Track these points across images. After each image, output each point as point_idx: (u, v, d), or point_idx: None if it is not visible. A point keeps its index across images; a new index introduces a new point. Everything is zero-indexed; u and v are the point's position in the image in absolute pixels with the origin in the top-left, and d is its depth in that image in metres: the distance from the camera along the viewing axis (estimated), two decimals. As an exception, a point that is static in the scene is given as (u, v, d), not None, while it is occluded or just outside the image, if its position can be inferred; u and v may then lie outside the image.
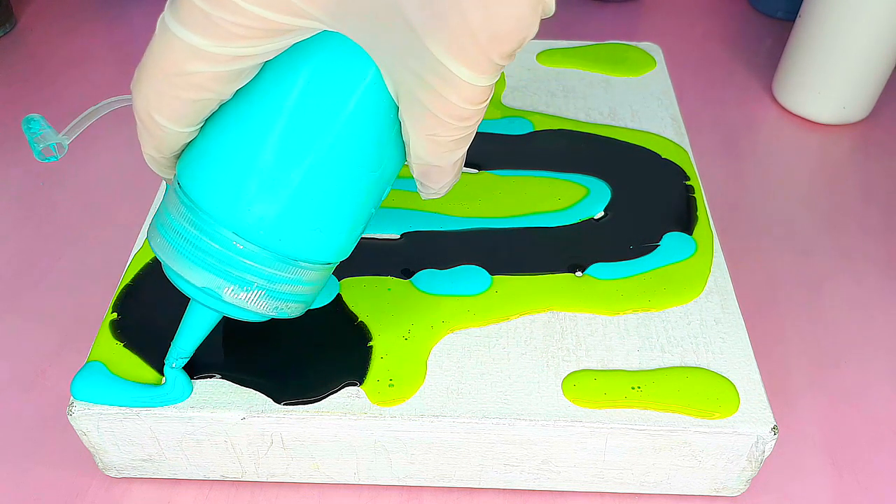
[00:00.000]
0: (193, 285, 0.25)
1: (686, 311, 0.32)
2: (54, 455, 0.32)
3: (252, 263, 0.24)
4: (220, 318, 0.27)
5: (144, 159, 0.26)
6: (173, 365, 0.28)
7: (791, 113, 0.51)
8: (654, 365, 0.30)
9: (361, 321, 0.31)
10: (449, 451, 0.29)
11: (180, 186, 0.25)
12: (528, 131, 0.40)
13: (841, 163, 0.48)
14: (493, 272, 0.33)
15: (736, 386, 0.29)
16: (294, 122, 0.23)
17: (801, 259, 0.41)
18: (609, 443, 0.28)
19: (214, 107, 0.24)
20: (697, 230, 0.35)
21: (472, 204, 0.36)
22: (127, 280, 0.33)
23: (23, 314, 0.38)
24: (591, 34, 0.58)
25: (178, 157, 0.25)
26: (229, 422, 0.28)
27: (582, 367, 0.30)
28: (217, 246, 0.24)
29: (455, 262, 0.33)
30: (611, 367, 0.30)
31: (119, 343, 0.30)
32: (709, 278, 0.33)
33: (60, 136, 0.29)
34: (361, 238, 0.34)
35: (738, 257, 0.40)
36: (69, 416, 0.28)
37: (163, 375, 0.29)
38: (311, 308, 0.31)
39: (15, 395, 0.34)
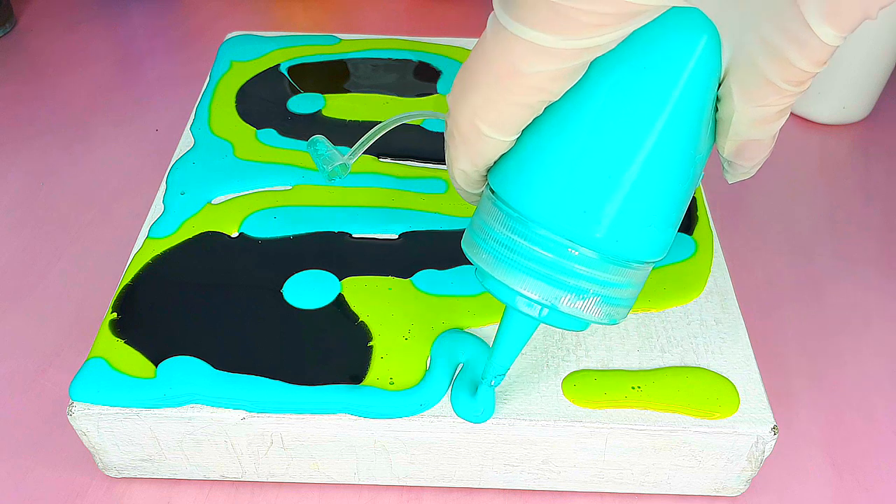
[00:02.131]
0: (519, 297, 0.24)
1: (686, 311, 0.32)
2: (54, 455, 0.32)
3: (588, 270, 0.23)
4: (538, 326, 0.26)
5: (453, 178, 0.26)
6: (492, 383, 0.28)
7: (791, 113, 0.51)
8: (654, 365, 0.30)
9: (362, 321, 0.31)
10: (449, 451, 0.29)
11: (500, 198, 0.24)
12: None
13: (841, 163, 0.48)
14: (493, 272, 0.33)
15: (736, 386, 0.29)
16: (626, 115, 0.22)
17: (801, 259, 0.41)
18: (609, 443, 0.28)
19: (542, 110, 0.23)
20: (697, 230, 0.35)
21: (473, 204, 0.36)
22: (127, 280, 0.33)
23: (23, 314, 0.38)
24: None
25: (489, 170, 0.25)
26: (229, 422, 0.28)
27: (582, 367, 0.30)
28: (552, 255, 0.23)
29: (455, 262, 0.33)
30: (611, 367, 0.30)
31: (120, 340, 0.30)
32: (709, 278, 0.33)
33: (345, 157, 0.30)
34: (361, 238, 0.35)
35: (738, 257, 0.40)
36: (69, 416, 0.28)
37: (156, 369, 0.29)
38: (312, 308, 0.32)
39: (15, 395, 0.34)
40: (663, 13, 0.21)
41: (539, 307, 0.25)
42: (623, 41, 0.21)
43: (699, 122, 0.22)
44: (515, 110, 0.22)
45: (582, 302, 0.24)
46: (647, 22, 0.21)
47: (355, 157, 0.30)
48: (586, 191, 0.23)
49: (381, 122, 0.41)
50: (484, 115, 0.23)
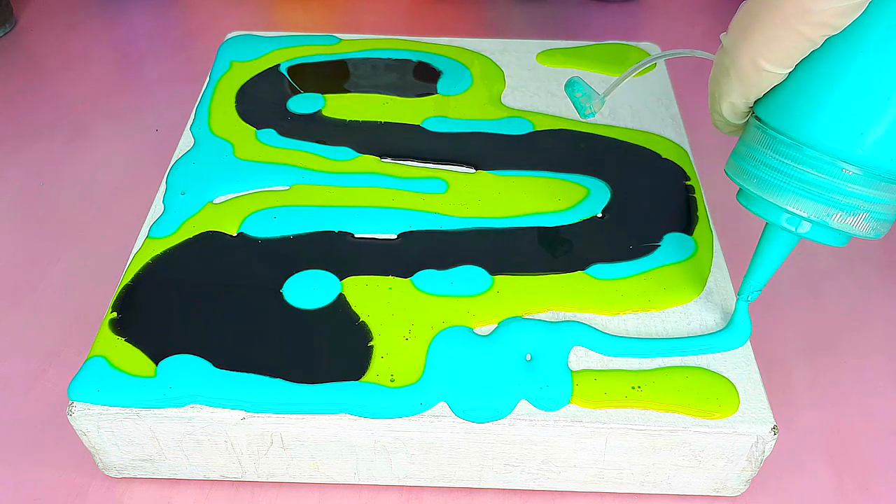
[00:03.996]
0: (787, 214, 0.27)
1: (686, 311, 0.32)
2: (54, 455, 0.32)
3: (859, 188, 0.26)
4: (797, 243, 0.29)
5: (720, 111, 0.28)
6: (748, 298, 0.30)
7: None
8: (654, 365, 0.30)
9: (363, 321, 0.31)
10: (449, 451, 0.29)
11: (770, 126, 0.27)
12: (528, 131, 0.40)
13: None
14: (493, 272, 0.33)
15: (736, 386, 0.29)
16: None
17: (801, 259, 0.41)
18: (609, 443, 0.28)
19: (821, 43, 0.25)
20: (697, 230, 0.35)
21: (472, 204, 0.36)
22: (127, 280, 0.33)
23: (23, 314, 0.38)
24: (591, 34, 0.58)
25: (756, 102, 0.28)
26: (229, 422, 0.28)
27: (582, 367, 0.30)
28: (826, 176, 0.26)
29: (455, 262, 0.33)
30: (611, 367, 0.30)
31: (120, 339, 0.30)
32: (709, 278, 0.33)
33: (601, 95, 0.33)
34: (362, 238, 0.35)
35: (738, 257, 0.40)
36: (69, 417, 0.28)
37: (156, 367, 0.29)
38: (312, 308, 0.32)
39: (15, 396, 0.34)
40: None
41: (807, 224, 0.27)
42: None
43: None
44: (799, 46, 0.25)
45: (853, 218, 0.26)
46: None
47: (609, 93, 0.33)
48: (864, 113, 0.25)
49: (380, 122, 0.41)
50: (766, 52, 0.25)
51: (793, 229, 0.27)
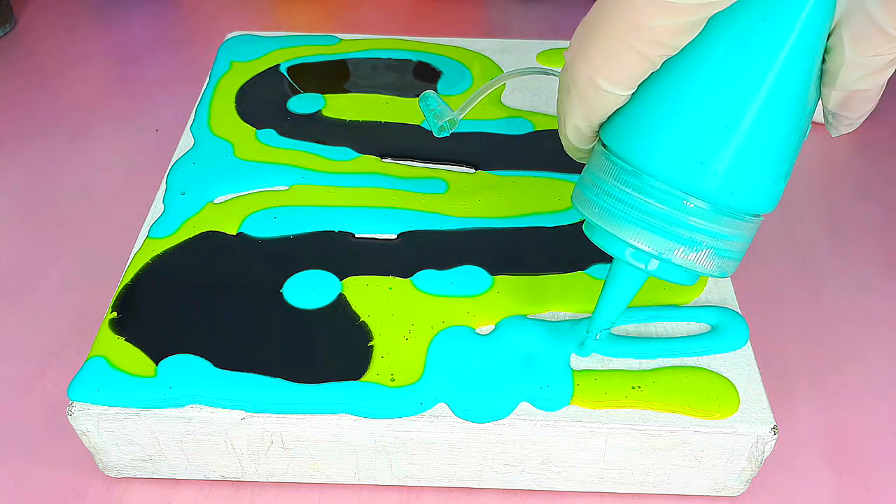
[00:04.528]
0: (630, 249, 0.25)
1: (686, 311, 0.32)
2: (54, 455, 0.32)
3: (702, 222, 0.24)
4: (646, 279, 0.27)
5: (565, 134, 0.27)
6: (597, 337, 0.29)
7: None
8: (654, 365, 0.30)
9: (363, 321, 0.31)
10: (449, 451, 0.29)
11: (613, 152, 0.25)
12: (528, 131, 0.40)
13: (841, 163, 0.48)
14: (493, 272, 0.33)
15: (736, 386, 0.29)
16: (743, 65, 0.23)
17: (801, 259, 0.41)
18: (609, 443, 0.28)
19: (660, 64, 0.23)
20: (697, 230, 0.35)
21: (472, 204, 0.36)
22: (127, 280, 0.33)
23: (23, 314, 0.38)
24: (591, 34, 0.58)
25: (602, 125, 0.26)
26: (229, 422, 0.28)
27: (582, 367, 0.30)
28: (666, 208, 0.24)
29: (455, 262, 0.33)
30: (611, 367, 0.30)
31: (120, 338, 0.30)
32: (709, 278, 0.33)
33: (454, 113, 0.31)
34: (362, 238, 0.35)
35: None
36: (69, 417, 0.28)
37: (156, 367, 0.29)
38: (313, 308, 0.32)
39: (15, 395, 0.34)
40: None
41: (650, 260, 0.25)
42: None
43: (810, 72, 0.23)
44: (635, 65, 0.23)
45: (695, 254, 0.25)
46: None
47: (464, 112, 0.31)
48: (704, 142, 0.23)
49: (380, 122, 0.41)
50: (603, 69, 0.23)
51: (640, 266, 0.26)
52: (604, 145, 0.26)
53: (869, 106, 0.24)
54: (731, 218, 0.24)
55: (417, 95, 0.43)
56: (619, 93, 0.24)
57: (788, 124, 0.23)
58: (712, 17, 0.22)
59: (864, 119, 0.25)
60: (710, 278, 0.33)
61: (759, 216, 0.25)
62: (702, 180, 0.24)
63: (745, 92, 0.23)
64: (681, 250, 0.25)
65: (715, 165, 0.23)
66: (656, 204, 0.24)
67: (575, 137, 0.27)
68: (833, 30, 0.23)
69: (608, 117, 0.25)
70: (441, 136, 0.31)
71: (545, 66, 0.30)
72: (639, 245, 0.25)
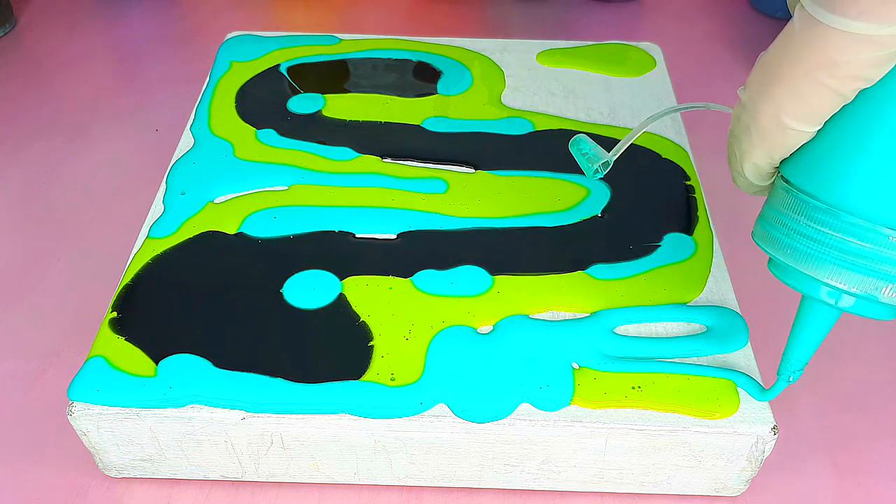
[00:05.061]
0: (827, 288, 0.24)
1: (686, 311, 0.32)
2: (54, 455, 0.32)
3: None
4: (839, 316, 0.26)
5: (742, 172, 0.26)
6: (790, 378, 0.27)
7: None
8: (654, 365, 0.30)
9: (363, 321, 0.31)
10: (449, 451, 0.29)
11: (801, 190, 0.24)
12: (528, 131, 0.40)
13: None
14: (493, 272, 0.33)
15: (736, 386, 0.29)
16: None
17: (801, 259, 0.41)
18: (609, 443, 0.28)
19: (853, 97, 0.22)
20: (697, 230, 0.35)
21: (472, 204, 0.36)
22: (127, 280, 0.33)
23: (23, 314, 0.38)
24: (591, 34, 0.58)
25: (782, 162, 0.25)
26: (229, 422, 0.28)
27: (582, 366, 0.30)
28: (871, 245, 0.23)
29: (455, 262, 0.33)
30: (611, 367, 0.30)
31: (120, 338, 0.30)
32: (709, 278, 0.33)
33: (609, 155, 0.30)
34: (362, 238, 0.35)
35: (738, 257, 0.40)
36: (69, 417, 0.28)
37: (156, 367, 0.29)
38: (313, 308, 0.32)
39: (15, 395, 0.34)
40: None
41: (854, 298, 0.24)
42: None
43: None
44: (826, 100, 0.22)
45: None
46: None
47: (618, 154, 0.31)
48: None
49: (380, 122, 0.41)
50: (790, 108, 0.23)
51: (833, 303, 0.24)
52: (786, 181, 0.25)
53: None
54: None
55: (417, 95, 0.43)
56: (807, 129, 0.23)
57: None
58: None
59: None
60: (710, 278, 0.33)
61: None
62: None
63: None
64: (888, 288, 0.23)
65: None
66: (858, 242, 0.23)
67: (754, 175, 0.26)
68: None
69: (791, 153, 0.24)
70: (594, 178, 0.31)
71: (712, 104, 0.29)
72: (841, 286, 0.24)
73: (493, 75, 0.44)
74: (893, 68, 0.22)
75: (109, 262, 0.38)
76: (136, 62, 0.55)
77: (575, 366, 0.29)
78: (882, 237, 0.23)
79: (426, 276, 0.33)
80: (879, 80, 0.22)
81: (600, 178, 0.34)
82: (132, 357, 0.30)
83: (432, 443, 0.29)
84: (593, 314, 0.32)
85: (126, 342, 0.30)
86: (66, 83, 0.53)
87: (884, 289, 0.23)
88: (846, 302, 0.24)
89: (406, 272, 0.33)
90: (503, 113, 0.42)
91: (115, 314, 0.31)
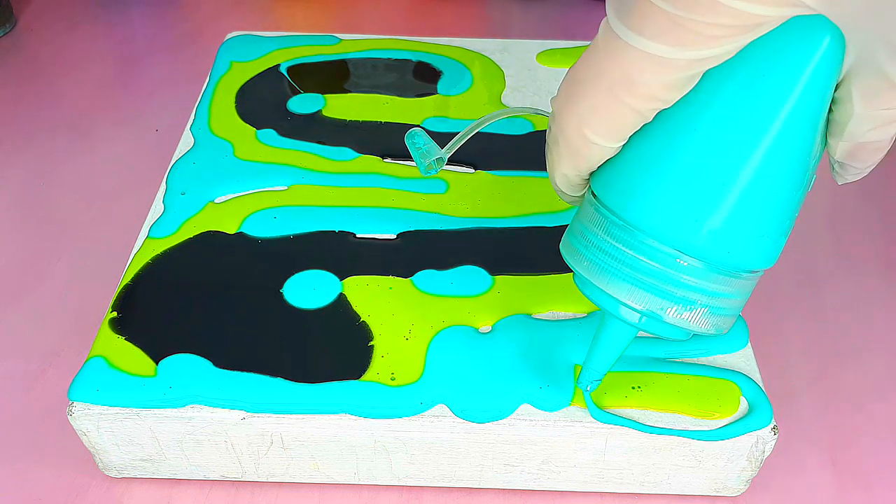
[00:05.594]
0: (622, 306, 0.24)
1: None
2: (54, 455, 0.32)
3: (696, 281, 0.23)
4: (636, 333, 0.26)
5: (554, 181, 0.26)
6: (587, 388, 0.27)
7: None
8: (654, 365, 0.30)
9: (363, 321, 0.31)
10: (449, 451, 0.29)
11: (603, 205, 0.24)
12: (528, 131, 0.40)
13: (841, 163, 0.48)
14: (493, 272, 0.33)
15: (736, 386, 0.29)
16: (741, 122, 0.22)
17: (801, 259, 0.41)
18: (609, 443, 0.28)
19: (651, 117, 0.23)
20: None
21: (472, 204, 0.36)
22: (127, 280, 0.33)
23: (23, 314, 0.38)
24: (591, 34, 0.58)
25: (592, 174, 0.25)
26: (229, 422, 0.28)
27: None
28: (658, 266, 0.23)
29: (455, 262, 0.33)
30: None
31: (120, 338, 0.30)
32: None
33: (442, 151, 0.30)
34: (362, 238, 0.35)
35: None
36: (69, 417, 0.28)
37: (156, 366, 0.29)
38: (313, 308, 0.32)
39: (15, 395, 0.34)
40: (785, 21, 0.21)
41: (641, 316, 0.24)
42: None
43: (815, 127, 0.22)
44: (625, 118, 0.22)
45: (689, 313, 0.24)
46: (768, 31, 0.21)
47: (451, 151, 0.30)
48: (698, 199, 0.22)
49: (380, 122, 0.41)
50: (592, 121, 0.23)
51: (631, 320, 0.24)
52: (593, 194, 0.25)
53: (878, 156, 0.23)
54: (727, 276, 0.23)
55: (418, 95, 0.43)
56: (608, 145, 0.23)
57: (790, 181, 0.22)
58: (707, 71, 0.21)
59: (872, 168, 0.24)
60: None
61: (757, 272, 0.24)
62: (696, 238, 0.22)
63: (743, 149, 0.22)
64: (674, 309, 0.23)
65: (710, 224, 0.22)
66: (648, 261, 0.23)
67: (564, 185, 0.26)
68: (840, 83, 0.21)
69: (599, 166, 0.24)
70: (427, 175, 0.30)
71: (536, 108, 0.29)
72: (630, 303, 0.24)
73: (493, 75, 0.44)
74: (688, 96, 0.22)
75: (109, 262, 0.38)
76: (136, 63, 0.55)
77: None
78: (670, 258, 0.23)
79: (426, 276, 0.33)
80: (675, 104, 0.22)
81: (433, 175, 0.33)
82: (132, 357, 0.30)
83: (432, 443, 0.29)
84: (593, 314, 0.32)
85: (126, 342, 0.30)
86: (66, 83, 0.53)
87: (669, 309, 0.23)
88: (639, 320, 0.24)
89: (406, 272, 0.33)
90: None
91: (115, 314, 0.31)
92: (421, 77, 0.44)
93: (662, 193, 0.23)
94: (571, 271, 0.33)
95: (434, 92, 0.43)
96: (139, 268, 0.33)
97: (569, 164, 0.24)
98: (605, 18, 0.22)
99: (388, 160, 0.39)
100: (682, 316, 0.24)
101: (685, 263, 0.23)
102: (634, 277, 0.23)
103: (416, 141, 0.30)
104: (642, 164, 0.23)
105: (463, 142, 0.30)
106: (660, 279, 0.23)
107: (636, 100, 0.22)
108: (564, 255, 0.26)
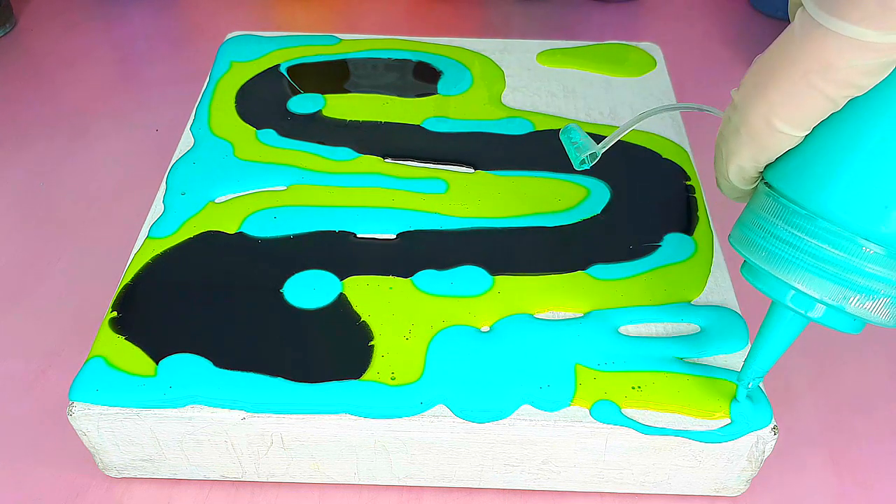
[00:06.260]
0: (797, 294, 0.24)
1: (686, 311, 0.32)
2: (54, 455, 0.32)
3: (879, 269, 0.23)
4: (806, 326, 0.26)
5: (725, 174, 0.26)
6: (749, 385, 0.27)
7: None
8: (654, 365, 0.30)
9: (363, 321, 0.31)
10: (449, 451, 0.29)
11: (781, 193, 0.24)
12: (528, 131, 0.40)
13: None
14: (493, 272, 0.33)
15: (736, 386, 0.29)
16: None
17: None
18: (609, 443, 0.28)
19: (843, 104, 0.22)
20: (697, 230, 0.35)
21: (472, 204, 0.36)
22: (127, 280, 0.33)
23: (23, 314, 0.38)
24: (591, 34, 0.58)
25: (768, 165, 0.25)
26: (229, 422, 0.28)
27: (582, 366, 0.30)
28: (843, 254, 0.23)
29: (455, 262, 0.33)
30: (611, 367, 0.30)
31: (120, 337, 0.30)
32: (709, 278, 0.33)
33: (597, 147, 0.31)
34: (362, 238, 0.35)
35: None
36: (69, 417, 0.28)
37: (156, 366, 0.29)
38: (313, 308, 0.32)
39: (15, 395, 0.34)
40: None
41: (817, 306, 0.24)
42: None
43: None
44: (817, 105, 0.22)
45: (871, 303, 0.23)
46: None
47: (606, 147, 0.31)
48: (890, 184, 0.22)
49: (380, 122, 0.41)
50: (782, 110, 0.23)
51: (801, 311, 0.24)
52: (768, 185, 0.25)
53: None
54: None
55: (417, 95, 0.43)
56: (795, 133, 0.23)
57: None
58: None
59: None
60: (710, 278, 0.33)
61: None
62: (885, 225, 0.22)
63: None
64: (856, 299, 0.23)
65: None
66: (832, 249, 0.23)
67: (737, 178, 0.26)
68: None
69: (777, 158, 0.24)
70: (580, 168, 0.31)
71: (707, 107, 0.29)
72: (809, 292, 0.24)
73: (493, 75, 0.44)
74: (882, 82, 0.22)
75: (109, 262, 0.38)
76: (135, 62, 0.55)
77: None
78: (856, 246, 0.23)
79: (426, 276, 0.33)
80: (869, 91, 0.22)
81: (586, 170, 0.34)
82: (132, 357, 0.30)
83: (432, 443, 0.29)
84: (593, 314, 0.32)
85: (126, 342, 0.30)
86: (65, 83, 0.53)
87: (852, 298, 0.23)
88: (813, 310, 0.24)
89: (406, 272, 0.33)
90: (503, 113, 0.42)
91: (115, 314, 0.31)
92: (421, 77, 0.44)
93: (852, 180, 0.23)
94: (571, 271, 0.33)
95: (434, 92, 0.43)
96: (139, 268, 0.33)
97: (749, 154, 0.24)
98: (800, 7, 0.22)
99: (389, 160, 0.39)
100: (865, 306, 0.23)
101: (871, 252, 0.23)
102: (818, 267, 0.23)
103: (572, 136, 0.31)
104: (829, 150, 0.23)
105: (618, 139, 0.31)
106: (843, 268, 0.23)
107: (831, 86, 0.22)
108: (737, 247, 0.26)
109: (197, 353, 0.30)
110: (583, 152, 0.31)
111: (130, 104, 0.51)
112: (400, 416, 0.28)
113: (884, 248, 0.23)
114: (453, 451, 0.29)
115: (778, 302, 0.25)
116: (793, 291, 0.24)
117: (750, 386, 0.28)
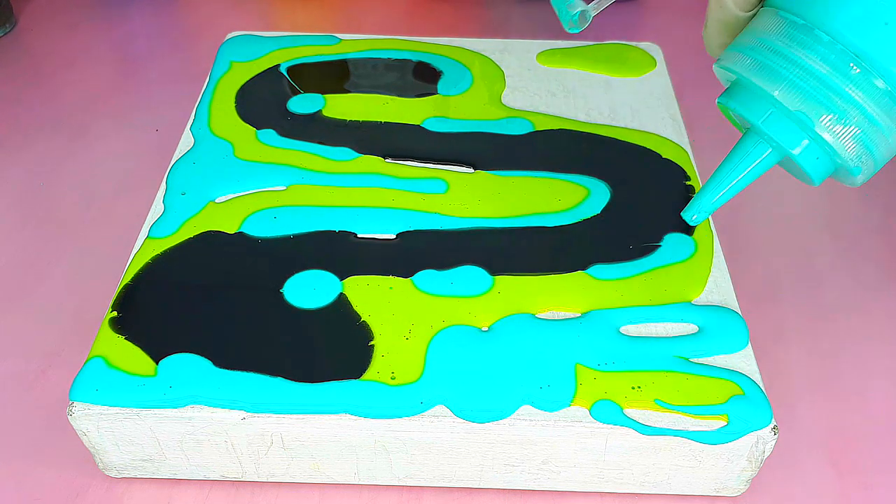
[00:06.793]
0: (769, 111, 0.24)
1: (686, 311, 0.32)
2: (54, 455, 0.32)
3: (860, 95, 0.22)
4: (771, 166, 0.25)
5: (723, 3, 0.25)
6: (693, 217, 0.27)
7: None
8: (654, 365, 0.30)
9: (363, 321, 0.31)
10: (449, 451, 0.29)
11: (784, 8, 0.24)
12: (528, 131, 0.40)
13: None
14: (493, 272, 0.33)
15: (736, 386, 0.29)
16: None
17: (801, 258, 0.41)
18: (609, 443, 0.28)
19: None
20: (697, 230, 0.35)
21: (472, 204, 0.36)
22: (127, 280, 0.33)
23: (23, 314, 0.38)
24: (591, 34, 0.58)
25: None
26: (229, 422, 0.28)
27: (582, 367, 0.30)
28: (829, 70, 0.23)
29: (455, 262, 0.33)
30: (611, 367, 0.30)
31: (120, 337, 0.30)
32: (709, 278, 0.33)
33: (589, 5, 0.29)
34: (362, 238, 0.35)
35: (738, 257, 0.40)
36: (69, 417, 0.28)
37: (157, 366, 0.29)
38: (313, 308, 0.32)
39: (15, 395, 0.34)
40: None
41: (789, 137, 0.24)
42: None
43: None
44: None
45: (841, 126, 0.23)
46: None
47: (599, 9, 0.30)
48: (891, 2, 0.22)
49: (380, 122, 0.41)
50: None
51: (771, 136, 0.24)
52: (770, 6, 0.24)
53: None
54: (891, 105, 0.22)
55: (417, 95, 0.43)
56: None
57: None
58: None
59: None
60: (710, 278, 0.33)
61: None
62: (878, 46, 0.22)
63: None
64: (829, 118, 0.23)
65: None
66: (819, 63, 0.23)
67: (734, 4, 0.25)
68: None
69: None
70: (570, 30, 0.30)
71: None
72: (786, 100, 0.23)
73: (493, 75, 0.44)
74: None
75: (109, 262, 0.38)
76: (136, 62, 0.55)
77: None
78: (844, 62, 0.22)
79: (426, 276, 0.33)
80: None
81: (576, 33, 0.33)
82: (132, 357, 0.30)
83: (432, 443, 0.29)
84: (593, 314, 0.32)
85: (126, 342, 0.30)
86: (66, 83, 0.53)
87: (824, 116, 0.23)
88: (782, 135, 0.24)
89: (406, 272, 0.33)
90: (503, 113, 0.42)
91: (115, 314, 0.31)
92: (421, 77, 0.44)
93: None
94: (571, 271, 0.33)
95: (434, 92, 0.43)
96: (139, 268, 0.33)
97: None
98: None
99: (389, 160, 0.39)
100: (835, 129, 0.23)
101: (857, 70, 0.22)
102: (801, 78, 0.23)
103: None
104: None
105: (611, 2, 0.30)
106: (825, 84, 0.23)
107: None
108: (725, 65, 0.25)
109: (197, 353, 0.30)
110: (574, 8, 0.30)
111: (130, 104, 0.51)
112: (400, 416, 0.28)
113: (879, 76, 0.22)
114: (453, 451, 0.29)
115: (750, 130, 0.25)
116: (770, 111, 0.24)
117: (694, 218, 0.27)
